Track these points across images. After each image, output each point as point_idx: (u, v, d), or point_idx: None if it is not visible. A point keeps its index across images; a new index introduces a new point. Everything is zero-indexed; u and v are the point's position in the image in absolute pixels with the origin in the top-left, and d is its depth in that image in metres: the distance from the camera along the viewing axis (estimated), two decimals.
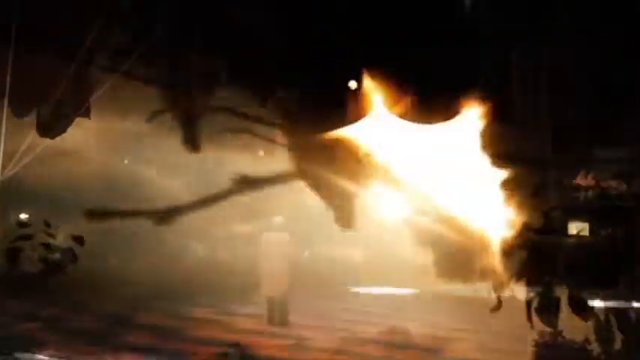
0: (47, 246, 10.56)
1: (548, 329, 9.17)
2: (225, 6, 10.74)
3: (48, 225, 10.85)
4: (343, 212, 10.67)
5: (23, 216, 12.64)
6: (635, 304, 9.08)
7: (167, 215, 11.40)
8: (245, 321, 11.81)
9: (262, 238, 12.01)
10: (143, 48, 10.38)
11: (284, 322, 11.27)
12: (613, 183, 11.37)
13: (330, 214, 10.98)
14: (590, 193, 11.36)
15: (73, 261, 12.46)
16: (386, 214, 12.64)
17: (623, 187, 11.28)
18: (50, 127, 9.93)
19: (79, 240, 11.34)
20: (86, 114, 10.07)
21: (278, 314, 11.51)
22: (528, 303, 9.44)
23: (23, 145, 11.13)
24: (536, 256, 9.65)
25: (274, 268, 11.43)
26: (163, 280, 14.63)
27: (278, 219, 12.11)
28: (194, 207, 11.82)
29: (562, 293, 9.23)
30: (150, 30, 10.47)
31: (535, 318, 9.45)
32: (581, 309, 9.14)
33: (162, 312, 12.57)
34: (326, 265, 15.01)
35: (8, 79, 9.31)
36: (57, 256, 11.12)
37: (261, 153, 13.16)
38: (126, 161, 13.66)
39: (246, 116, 11.19)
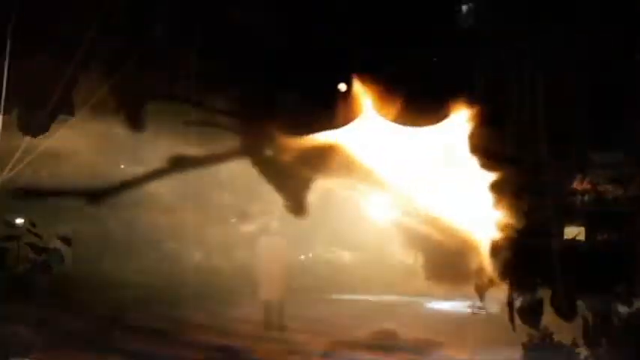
0: (33, 247, 10.51)
1: (535, 332, 9.14)
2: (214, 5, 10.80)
3: (33, 225, 10.78)
4: (294, 199, 10.65)
5: (19, 220, 12.63)
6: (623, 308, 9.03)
7: (97, 195, 11.24)
8: (241, 325, 11.75)
9: (259, 242, 11.94)
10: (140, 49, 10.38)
11: (281, 327, 11.20)
12: (609, 187, 11.36)
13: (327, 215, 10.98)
14: (586, 197, 11.35)
15: (59, 262, 12.45)
16: (376, 216, 12.69)
17: (620, 191, 11.27)
18: (32, 125, 9.90)
19: (65, 241, 11.28)
20: (70, 112, 10.02)
21: (275, 319, 11.44)
22: (510, 304, 9.43)
23: (22, 147, 11.12)
24: (522, 258, 9.65)
25: (271, 272, 11.36)
26: (159, 282, 14.64)
27: (274, 223, 12.01)
28: (126, 187, 11.68)
29: (546, 295, 9.22)
30: (148, 30, 10.49)
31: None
32: (564, 311, 9.13)
33: (158, 315, 12.53)
34: (321, 268, 15.05)
35: (5, 79, 9.31)
36: (43, 257, 11.06)
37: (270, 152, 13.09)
38: (122, 166, 13.68)
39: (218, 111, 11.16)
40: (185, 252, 15.61)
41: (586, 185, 11.20)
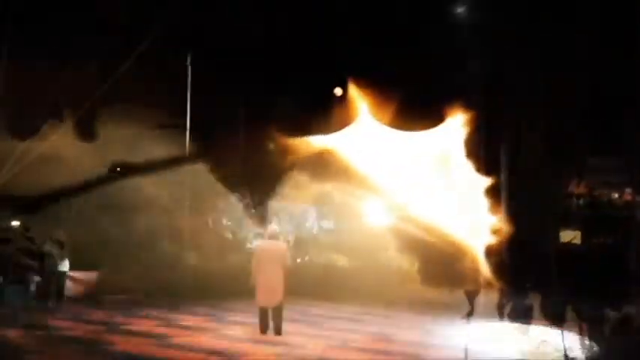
0: (25, 251, 10.54)
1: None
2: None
3: (27, 230, 10.81)
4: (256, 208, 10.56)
5: (14, 223, 12.67)
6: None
7: (34, 205, 11.19)
8: (237, 329, 11.74)
9: (257, 246, 11.82)
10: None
11: (278, 332, 11.10)
12: (605, 191, 11.37)
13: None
14: (582, 201, 11.36)
15: (52, 266, 12.50)
16: (372, 221, 12.68)
17: (615, 195, 11.29)
18: (21, 129, 9.92)
19: (59, 245, 11.27)
20: (59, 117, 10.04)
21: (272, 323, 11.34)
22: (500, 309, 9.41)
23: (17, 151, 11.16)
24: (514, 262, 9.65)
25: (269, 276, 11.18)
26: (156, 287, 14.65)
27: (273, 226, 11.83)
28: (62, 195, 11.62)
29: (535, 300, 9.19)
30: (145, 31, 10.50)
31: None
32: (552, 316, 9.11)
33: (153, 320, 12.54)
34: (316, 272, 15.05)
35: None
36: (35, 261, 11.09)
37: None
38: (118, 169, 13.73)
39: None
40: (182, 254, 15.66)
41: (582, 189, 11.24)
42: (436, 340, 10.54)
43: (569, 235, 10.80)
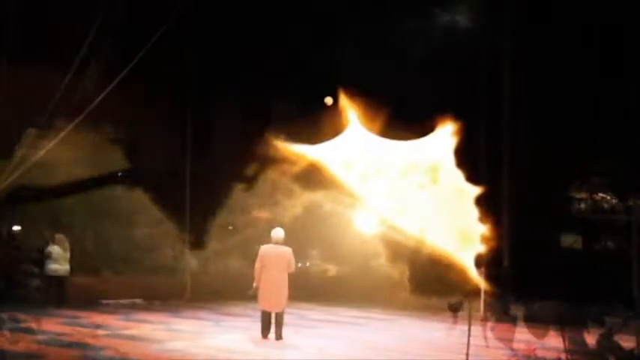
0: (13, 258, 10.53)
1: (521, 346, 9.05)
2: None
3: (13, 236, 10.82)
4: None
5: (15, 228, 12.72)
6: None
7: None
8: (238, 334, 11.71)
9: (261, 250, 11.75)
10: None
11: (279, 336, 11.05)
12: (606, 196, 11.34)
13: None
14: (582, 205, 11.33)
15: (53, 270, 12.51)
16: (362, 230, 12.65)
17: (616, 200, 11.25)
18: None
19: (61, 248, 11.22)
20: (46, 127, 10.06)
21: (274, 328, 11.28)
22: (485, 319, 9.33)
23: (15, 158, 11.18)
24: (499, 273, 9.62)
25: (274, 281, 11.07)
26: (155, 291, 14.66)
27: (277, 231, 11.69)
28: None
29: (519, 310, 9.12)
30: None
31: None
32: (538, 327, 9.05)
33: (151, 323, 12.53)
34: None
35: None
36: (23, 267, 11.06)
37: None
38: (120, 174, 13.82)
39: None
40: (186, 260, 15.67)
41: (583, 194, 11.21)
42: (433, 342, 10.54)
43: (570, 240, 10.79)
